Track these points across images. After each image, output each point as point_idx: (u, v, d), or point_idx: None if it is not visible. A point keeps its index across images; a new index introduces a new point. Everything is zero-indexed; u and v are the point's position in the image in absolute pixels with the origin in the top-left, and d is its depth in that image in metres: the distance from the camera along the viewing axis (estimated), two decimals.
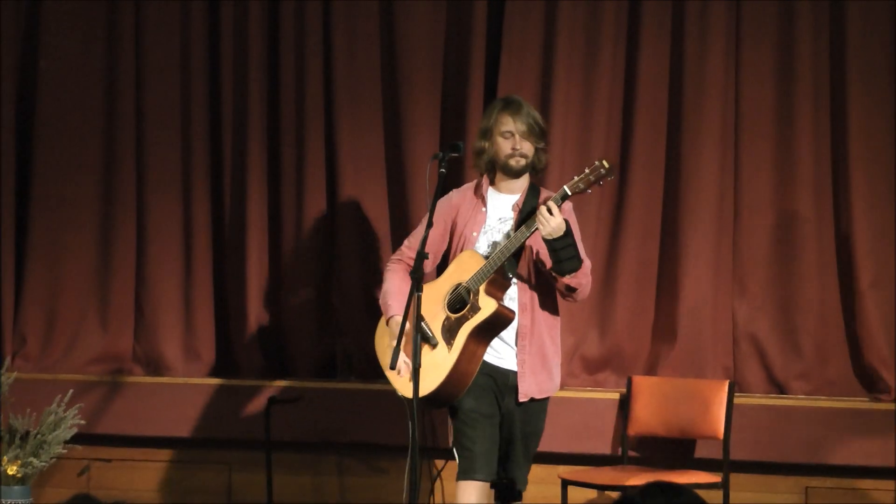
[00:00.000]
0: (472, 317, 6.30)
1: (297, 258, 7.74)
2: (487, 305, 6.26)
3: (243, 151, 7.80)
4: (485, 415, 6.31)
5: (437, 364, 6.20)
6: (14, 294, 7.93)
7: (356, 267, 7.66)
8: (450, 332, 6.26)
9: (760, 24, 7.44)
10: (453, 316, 6.31)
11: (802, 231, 7.37)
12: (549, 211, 6.09)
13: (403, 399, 6.32)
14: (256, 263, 7.76)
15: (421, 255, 6.16)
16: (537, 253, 6.31)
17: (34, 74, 7.94)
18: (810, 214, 7.39)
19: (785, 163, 7.41)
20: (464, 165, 7.20)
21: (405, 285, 6.31)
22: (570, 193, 6.21)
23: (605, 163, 6.12)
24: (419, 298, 6.14)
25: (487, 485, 6.36)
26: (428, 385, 6.24)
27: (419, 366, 6.14)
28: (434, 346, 6.26)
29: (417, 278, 6.17)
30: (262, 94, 7.79)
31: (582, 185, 6.16)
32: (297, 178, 7.75)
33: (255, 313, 7.75)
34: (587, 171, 6.17)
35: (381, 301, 6.44)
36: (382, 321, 6.46)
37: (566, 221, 6.10)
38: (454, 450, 6.23)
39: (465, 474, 6.32)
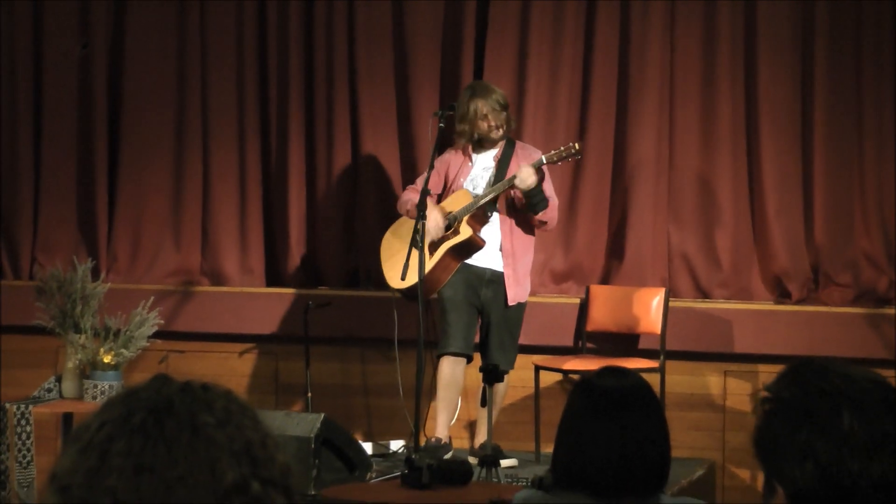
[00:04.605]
0: (452, 238, 6.47)
1: (328, 193, 7.78)
2: (465, 232, 6.47)
3: (285, 110, 7.83)
4: (460, 301, 6.52)
5: (418, 268, 6.32)
6: (108, 223, 7.99)
7: (373, 200, 7.72)
8: (434, 245, 6.42)
9: (690, 6, 7.41)
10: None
11: (722, 171, 7.44)
12: (528, 171, 6.31)
13: (393, 290, 6.59)
14: (296, 198, 7.80)
15: (424, 192, 6.34)
16: (514, 196, 6.49)
17: (122, 49, 7.90)
18: (728, 158, 7.44)
19: (709, 118, 7.46)
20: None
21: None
22: (545, 162, 6.42)
23: (576, 145, 6.40)
24: (424, 226, 6.25)
25: (463, 359, 6.48)
26: (407, 282, 6.44)
27: (423, 278, 6.19)
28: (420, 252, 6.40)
29: (421, 210, 6.27)
30: (300, 65, 7.83)
31: (555, 158, 6.40)
32: (328, 130, 7.79)
33: (296, 237, 7.79)
34: (562, 148, 6.43)
35: (406, 208, 6.64)
36: (389, 232, 6.77)
37: (537, 177, 6.31)
38: None
39: (441, 349, 6.51)
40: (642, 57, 7.43)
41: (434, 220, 6.44)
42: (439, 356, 6.53)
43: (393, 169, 7.70)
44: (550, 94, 7.52)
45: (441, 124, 6.44)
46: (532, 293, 7.21)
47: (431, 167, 6.47)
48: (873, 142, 7.23)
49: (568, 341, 7.29)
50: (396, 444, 7.01)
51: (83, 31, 7.97)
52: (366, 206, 7.72)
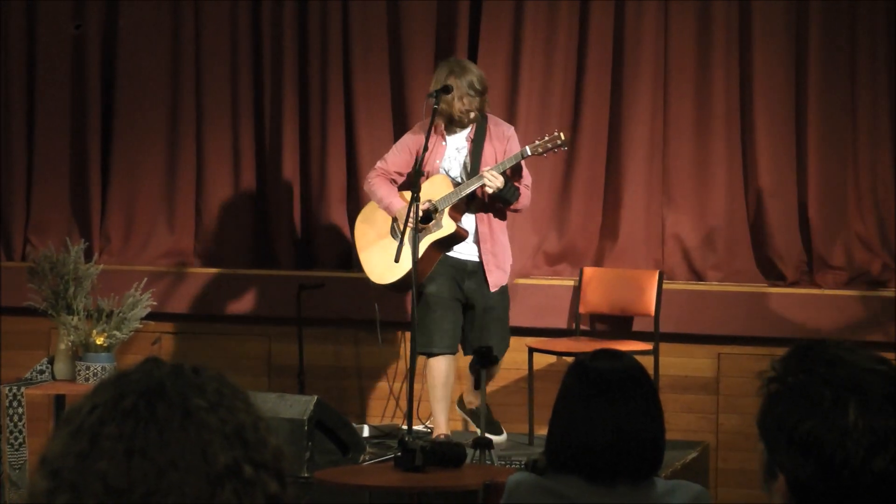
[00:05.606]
0: (434, 231, 6.35)
1: (322, 175, 7.77)
2: (448, 226, 6.33)
3: (279, 92, 7.80)
4: (446, 298, 6.37)
5: (402, 262, 6.27)
6: (101, 204, 7.98)
7: None
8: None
9: None
10: (421, 226, 6.29)
11: (716, 153, 7.42)
12: (493, 176, 6.19)
13: (373, 285, 6.50)
14: (290, 180, 7.79)
15: (418, 173, 6.24)
16: (482, 192, 6.40)
17: (115, 30, 7.88)
18: (722, 141, 7.40)
19: (703, 100, 7.43)
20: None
21: (393, 189, 6.46)
22: (529, 154, 6.29)
23: (561, 135, 6.22)
24: (417, 208, 6.17)
25: (451, 357, 6.38)
26: (392, 276, 6.36)
27: (417, 259, 6.14)
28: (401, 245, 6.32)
29: (416, 192, 6.18)
30: (294, 47, 7.81)
31: (540, 150, 6.21)
32: (322, 111, 7.77)
33: (289, 218, 7.80)
34: (546, 138, 6.23)
35: (381, 202, 6.43)
36: (361, 215, 6.71)
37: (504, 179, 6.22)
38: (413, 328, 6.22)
39: (426, 347, 6.34)
40: (637, 40, 7.41)
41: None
42: (427, 355, 6.39)
43: (387, 147, 7.60)
44: (545, 77, 7.49)
45: (435, 106, 6.39)
46: (525, 275, 7.20)
47: (426, 149, 6.42)
48: (867, 125, 7.23)
49: (562, 323, 7.28)
50: (389, 427, 7.01)
51: (77, 11, 7.95)
52: (359, 188, 7.70)
